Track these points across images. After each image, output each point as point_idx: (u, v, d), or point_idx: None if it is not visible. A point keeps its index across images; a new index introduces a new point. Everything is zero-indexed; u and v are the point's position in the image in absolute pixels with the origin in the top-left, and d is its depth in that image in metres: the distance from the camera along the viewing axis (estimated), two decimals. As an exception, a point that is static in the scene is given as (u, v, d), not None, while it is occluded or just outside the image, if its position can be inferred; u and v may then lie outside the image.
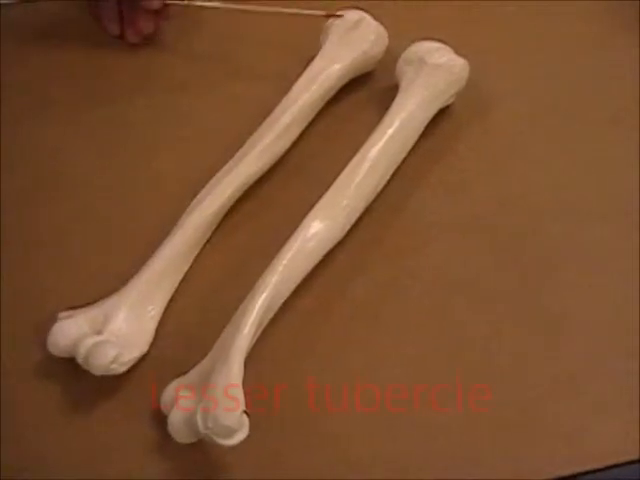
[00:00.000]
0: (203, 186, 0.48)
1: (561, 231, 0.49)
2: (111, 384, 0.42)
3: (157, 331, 0.44)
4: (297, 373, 0.44)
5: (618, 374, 0.44)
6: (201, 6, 0.56)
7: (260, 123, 0.50)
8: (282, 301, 0.44)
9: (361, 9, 0.54)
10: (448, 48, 0.53)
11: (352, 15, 0.54)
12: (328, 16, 0.54)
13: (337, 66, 0.52)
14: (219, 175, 0.48)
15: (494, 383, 0.44)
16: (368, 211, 0.48)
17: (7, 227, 0.48)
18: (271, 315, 0.43)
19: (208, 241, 0.48)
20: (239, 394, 0.39)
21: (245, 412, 0.39)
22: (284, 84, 0.52)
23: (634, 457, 0.42)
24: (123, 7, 0.56)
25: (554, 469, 0.41)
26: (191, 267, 0.47)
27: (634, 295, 0.47)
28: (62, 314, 0.43)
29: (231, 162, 0.49)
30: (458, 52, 0.53)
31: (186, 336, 0.45)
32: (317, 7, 0.54)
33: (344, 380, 0.44)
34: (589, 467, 0.41)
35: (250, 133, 0.50)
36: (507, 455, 0.42)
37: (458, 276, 0.47)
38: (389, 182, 0.49)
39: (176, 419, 0.40)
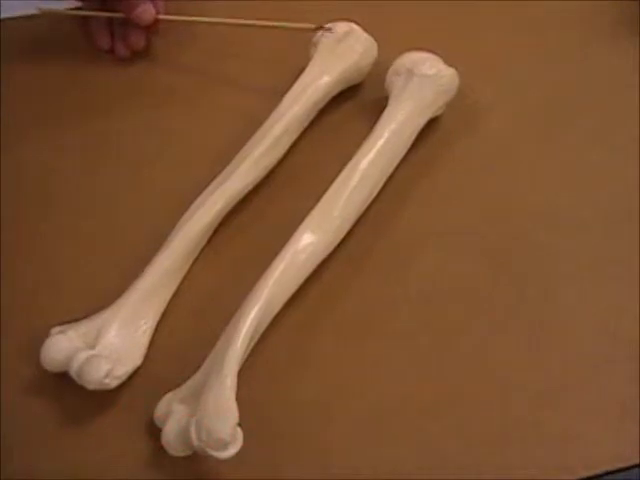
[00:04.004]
0: (194, 199, 0.48)
1: (553, 239, 0.49)
2: (104, 398, 0.42)
3: (150, 345, 0.44)
4: (290, 386, 0.44)
5: (613, 380, 0.44)
6: (192, 21, 0.57)
7: (250, 136, 0.50)
8: (274, 313, 0.44)
9: (350, 20, 0.55)
10: (437, 58, 0.53)
11: (341, 27, 0.54)
12: (317, 29, 0.54)
13: (326, 78, 0.52)
14: (210, 188, 0.48)
15: (488, 392, 0.44)
16: (359, 222, 0.48)
17: (-1, 244, 0.48)
18: (264, 327, 0.43)
19: (200, 255, 0.48)
20: (233, 407, 0.39)
21: (238, 425, 0.39)
22: (274, 97, 0.52)
23: (632, 463, 0.41)
24: (114, 22, 0.56)
25: (549, 477, 0.41)
26: (183, 281, 0.47)
27: (627, 301, 0.47)
28: (55, 329, 0.43)
29: (221, 175, 0.49)
30: (447, 62, 0.53)
31: (179, 349, 0.45)
32: (306, 19, 0.54)
33: (337, 393, 0.43)
34: (585, 474, 0.41)
35: (240, 146, 0.50)
36: (501, 464, 0.41)
37: (450, 286, 0.47)
38: (380, 193, 0.49)
39: (170, 433, 0.40)
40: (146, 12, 0.54)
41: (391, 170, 0.50)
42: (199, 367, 0.42)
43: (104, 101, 0.55)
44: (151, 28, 0.56)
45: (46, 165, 0.52)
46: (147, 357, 0.44)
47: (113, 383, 0.42)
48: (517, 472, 0.41)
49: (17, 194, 0.51)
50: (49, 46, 0.58)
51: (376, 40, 0.55)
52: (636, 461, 0.42)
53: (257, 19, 0.55)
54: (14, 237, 0.49)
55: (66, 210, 0.50)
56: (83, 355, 0.41)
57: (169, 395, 0.42)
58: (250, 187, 0.49)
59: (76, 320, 0.44)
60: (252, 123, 0.51)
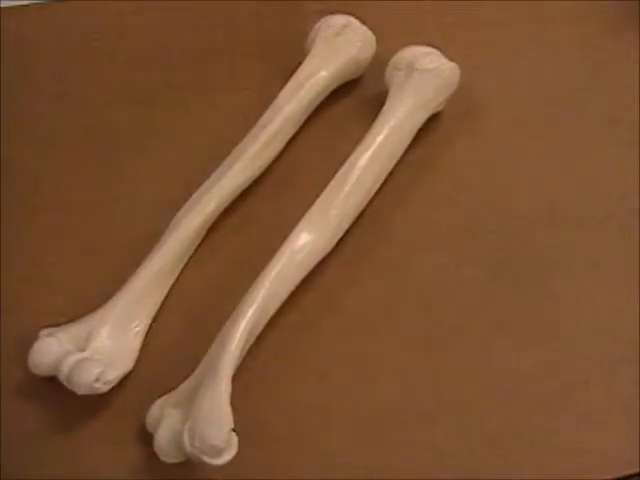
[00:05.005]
0: (187, 199, 0.47)
1: (555, 238, 0.49)
2: (95, 403, 0.42)
3: (142, 348, 0.43)
4: (286, 389, 0.43)
5: (616, 382, 0.44)
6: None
7: (245, 134, 0.49)
8: (270, 315, 0.43)
9: (348, 13, 0.54)
10: (438, 53, 0.52)
11: (339, 20, 0.53)
12: None
13: (324, 73, 0.51)
14: (204, 187, 0.47)
15: (489, 394, 0.43)
16: (358, 221, 0.47)
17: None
18: (259, 330, 0.43)
19: (193, 255, 0.47)
20: (227, 412, 0.39)
21: (233, 430, 0.38)
22: (269, 93, 0.51)
23: (635, 470, 0.41)
24: None
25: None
26: (177, 282, 0.46)
27: (631, 301, 0.46)
28: (43, 332, 0.42)
29: (216, 174, 0.48)
30: (449, 57, 0.52)
31: (172, 353, 0.44)
32: (303, 13, 0.54)
33: (335, 395, 0.43)
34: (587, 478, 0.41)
35: (235, 144, 0.49)
36: (502, 468, 0.41)
37: (451, 287, 0.47)
38: (379, 191, 0.48)
39: (162, 438, 0.40)
40: None
41: (390, 168, 0.49)
42: (193, 371, 0.41)
43: (96, 97, 0.54)
44: None
45: (35, 162, 0.51)
46: (139, 360, 0.43)
47: (104, 388, 0.41)
48: (517, 476, 0.41)
49: (5, 192, 0.50)
50: (42, 40, 0.57)
51: (375, 34, 0.54)
52: (636, 469, 0.41)
53: (254, 16, 0.54)
54: (2, 238, 0.48)
55: (59, 210, 0.49)
56: (73, 359, 0.41)
57: (161, 400, 0.41)
58: (245, 186, 0.48)
59: (66, 322, 0.43)
60: (247, 121, 0.50)
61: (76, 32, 0.57)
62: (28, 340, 0.42)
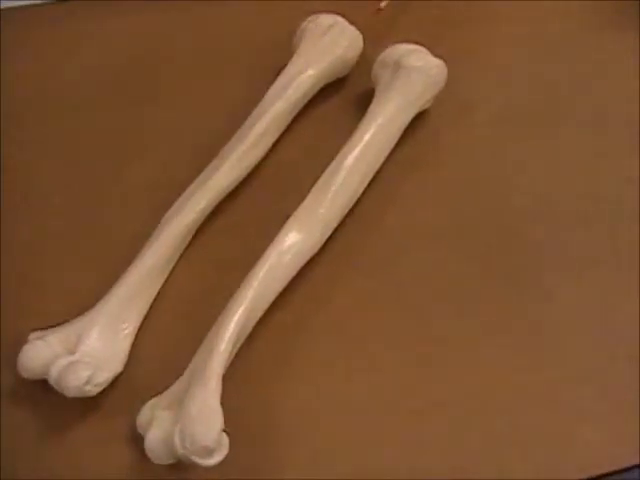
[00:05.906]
0: (175, 199, 0.47)
1: (545, 236, 0.48)
2: (85, 406, 0.41)
3: (132, 350, 0.43)
4: (277, 389, 0.43)
5: (613, 380, 0.44)
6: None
7: (232, 133, 0.49)
8: (259, 316, 0.43)
9: (335, 12, 0.54)
10: (425, 50, 0.52)
11: (326, 19, 0.53)
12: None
13: (311, 72, 0.51)
14: (192, 187, 0.47)
15: (483, 393, 0.43)
16: (346, 221, 0.47)
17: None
18: (249, 330, 0.42)
19: (182, 256, 0.47)
20: (217, 413, 0.38)
21: (224, 431, 0.38)
22: (256, 92, 0.51)
23: (632, 463, 0.41)
24: None
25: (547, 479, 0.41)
26: (165, 283, 0.46)
27: (622, 298, 0.46)
28: (32, 335, 0.42)
29: (203, 174, 0.48)
30: (436, 54, 0.52)
31: (162, 354, 0.44)
32: (290, 12, 0.54)
33: (326, 394, 0.43)
34: (584, 476, 0.41)
35: (222, 143, 0.49)
36: (498, 466, 0.41)
37: (442, 286, 0.47)
38: (367, 190, 0.48)
39: (153, 440, 0.39)
40: None
41: (378, 166, 0.49)
42: (183, 372, 0.41)
43: (95, 97, 0.54)
44: None
45: (26, 162, 0.51)
46: (129, 362, 0.43)
47: (94, 390, 0.41)
48: (514, 474, 0.41)
49: (4, 192, 0.49)
50: (42, 40, 0.57)
51: (362, 32, 0.54)
52: (636, 461, 0.41)
53: (244, 15, 0.54)
54: (1, 237, 0.48)
55: (45, 210, 0.49)
56: (62, 362, 0.40)
57: (152, 401, 0.41)
58: (233, 185, 0.48)
59: (55, 325, 0.43)
60: (234, 120, 0.50)
61: (76, 32, 0.57)
62: (17, 344, 0.41)
